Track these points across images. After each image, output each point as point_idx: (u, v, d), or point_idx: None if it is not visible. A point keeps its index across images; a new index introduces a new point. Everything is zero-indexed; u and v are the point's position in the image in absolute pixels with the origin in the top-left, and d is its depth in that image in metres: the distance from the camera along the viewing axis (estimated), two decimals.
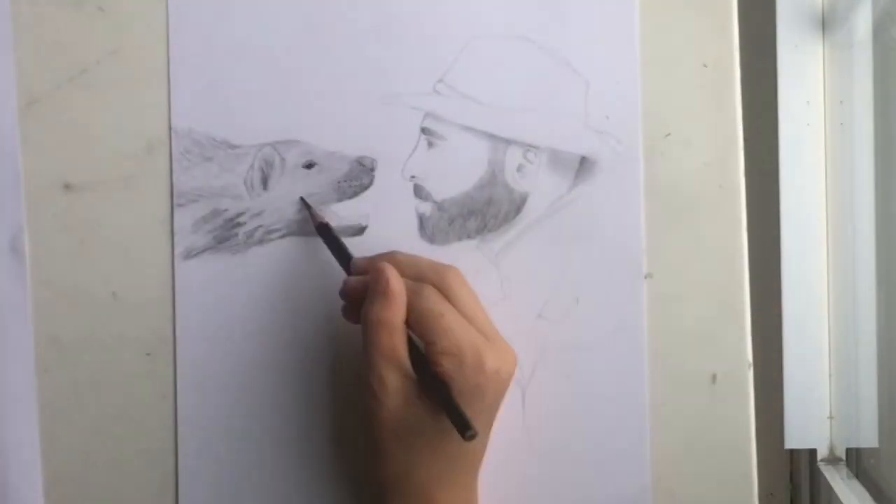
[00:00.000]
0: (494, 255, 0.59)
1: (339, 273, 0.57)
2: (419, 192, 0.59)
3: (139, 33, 0.59)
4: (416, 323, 0.53)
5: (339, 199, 0.59)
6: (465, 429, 0.49)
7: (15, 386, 0.59)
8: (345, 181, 0.59)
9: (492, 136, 0.59)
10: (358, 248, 0.59)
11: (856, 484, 0.69)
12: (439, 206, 0.59)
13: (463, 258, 0.59)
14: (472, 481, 0.55)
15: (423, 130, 0.59)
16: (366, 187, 0.59)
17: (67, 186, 0.59)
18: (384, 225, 0.59)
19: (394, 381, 0.52)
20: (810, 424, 0.70)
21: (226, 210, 0.59)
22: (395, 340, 0.52)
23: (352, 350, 0.59)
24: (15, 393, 0.59)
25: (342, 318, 0.57)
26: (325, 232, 0.58)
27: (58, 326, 0.59)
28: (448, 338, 0.52)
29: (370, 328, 0.52)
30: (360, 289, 0.54)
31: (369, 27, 0.59)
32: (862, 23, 0.70)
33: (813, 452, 0.72)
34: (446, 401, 0.51)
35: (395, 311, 0.52)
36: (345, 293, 0.55)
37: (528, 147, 0.59)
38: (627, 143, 0.60)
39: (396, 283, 0.53)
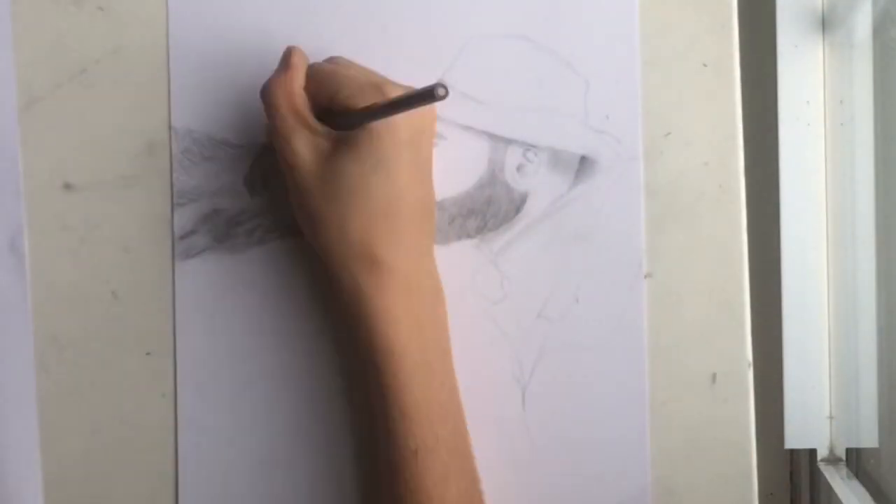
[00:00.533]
0: (494, 255, 0.59)
1: None
2: None
3: (139, 33, 0.59)
4: (316, 84, 0.53)
5: None
6: (431, 91, 0.41)
7: (14, 386, 0.59)
8: None
9: (491, 136, 0.59)
10: None
11: (856, 484, 0.69)
12: (439, 206, 0.59)
13: (463, 258, 0.59)
14: (420, 231, 0.54)
15: None
16: None
17: (67, 186, 0.59)
18: None
19: (303, 141, 0.52)
20: (810, 424, 0.70)
21: (226, 210, 0.59)
22: (296, 101, 0.52)
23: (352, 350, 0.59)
24: (14, 392, 0.59)
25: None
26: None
27: (57, 326, 0.59)
28: (350, 81, 0.52)
29: (267, 95, 0.53)
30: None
31: (369, 26, 0.59)
32: (862, 23, 0.70)
33: (813, 452, 0.72)
34: (387, 104, 0.48)
35: (292, 74, 0.53)
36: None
37: (528, 146, 0.59)
38: (627, 142, 0.59)
39: (297, 55, 0.53)
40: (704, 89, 0.60)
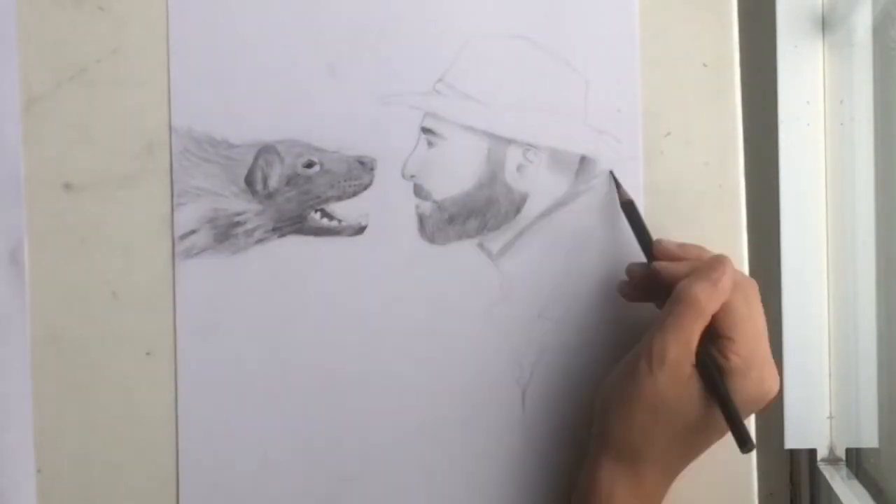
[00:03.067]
0: (494, 255, 0.59)
1: (342, 273, 0.57)
2: (419, 191, 0.59)
3: (139, 32, 0.59)
4: (722, 314, 0.53)
5: (339, 199, 0.59)
6: (744, 443, 0.51)
7: (8, 397, 0.59)
8: (345, 180, 0.59)
9: (492, 136, 0.59)
10: (357, 248, 0.59)
11: (856, 484, 0.69)
12: (439, 206, 0.59)
13: (462, 258, 0.59)
14: (681, 465, 0.56)
15: (423, 130, 0.59)
16: (365, 186, 0.59)
17: (67, 186, 0.59)
18: (384, 224, 0.59)
19: (674, 358, 0.52)
20: (810, 424, 0.70)
21: (226, 210, 0.59)
22: (697, 326, 0.53)
23: (351, 351, 0.59)
24: (8, 404, 0.59)
25: (341, 318, 0.57)
26: (630, 210, 0.58)
27: (58, 325, 0.59)
28: (747, 341, 0.53)
29: (683, 302, 0.53)
30: (670, 273, 0.55)
31: (369, 26, 0.59)
32: (862, 23, 0.70)
33: (813, 452, 0.72)
34: (731, 413, 0.52)
35: (714, 300, 0.53)
36: (654, 275, 0.56)
37: (528, 146, 0.59)
38: (627, 142, 0.60)
39: (730, 280, 0.53)
40: (704, 89, 0.60)
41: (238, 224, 0.59)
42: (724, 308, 0.53)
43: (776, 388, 0.54)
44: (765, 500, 0.69)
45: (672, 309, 0.53)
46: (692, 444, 0.54)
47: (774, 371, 0.54)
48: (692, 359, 0.52)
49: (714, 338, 0.53)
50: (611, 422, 0.54)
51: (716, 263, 0.54)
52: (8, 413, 0.59)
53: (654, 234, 0.59)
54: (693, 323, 0.52)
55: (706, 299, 0.52)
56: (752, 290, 0.55)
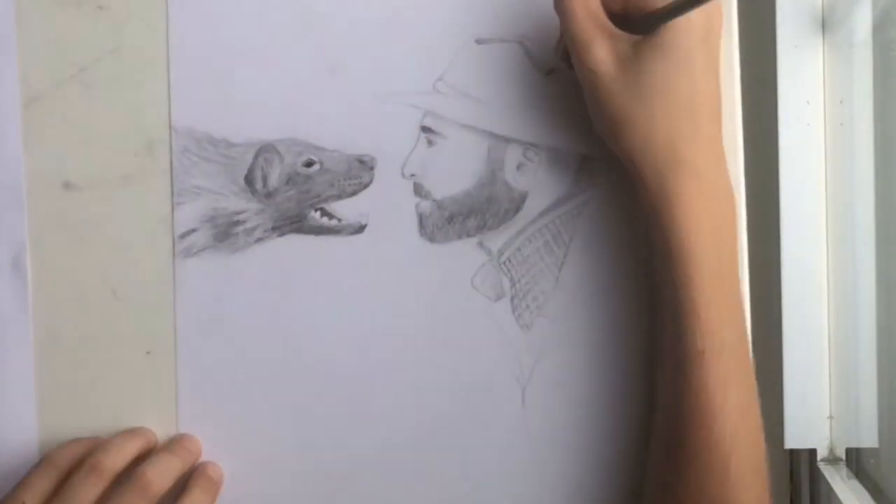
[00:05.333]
0: (494, 254, 0.59)
1: (341, 272, 0.57)
2: (419, 190, 0.59)
3: (139, 32, 0.59)
4: None
5: (339, 198, 0.59)
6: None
7: (14, 402, 0.59)
8: (344, 179, 0.59)
9: (492, 135, 0.59)
10: (357, 247, 0.59)
11: (856, 484, 0.69)
12: (439, 205, 0.59)
13: (462, 256, 0.59)
14: (716, 132, 0.54)
15: (423, 129, 0.59)
16: (365, 185, 0.59)
17: (67, 185, 0.59)
18: (384, 223, 0.59)
19: (604, 47, 0.52)
20: (810, 424, 0.70)
21: (225, 208, 0.59)
22: (592, 8, 0.52)
23: (351, 349, 0.59)
24: (14, 406, 0.59)
25: (341, 317, 0.57)
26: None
27: (58, 325, 0.59)
28: None
29: (563, 5, 0.53)
30: None
31: (369, 25, 0.59)
32: (862, 23, 0.70)
33: (813, 452, 0.72)
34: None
35: None
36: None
37: (528, 145, 0.59)
38: None
39: None
40: None
41: (238, 223, 0.59)
42: None
43: (718, 10, 0.54)
44: None
45: (561, 22, 0.53)
46: (694, 99, 0.52)
47: None
48: (610, 31, 0.52)
49: (621, 9, 0.53)
50: (616, 140, 0.53)
51: None
52: (12, 415, 0.59)
53: None
54: (583, 7, 0.52)
55: None
56: None
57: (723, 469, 0.51)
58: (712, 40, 0.53)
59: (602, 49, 0.52)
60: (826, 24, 0.70)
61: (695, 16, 0.51)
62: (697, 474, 0.52)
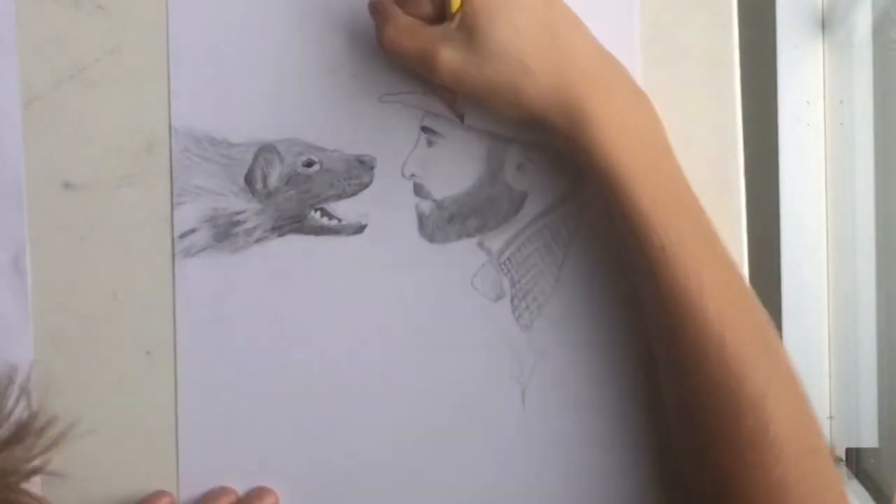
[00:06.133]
0: (494, 254, 0.59)
1: (341, 273, 0.57)
2: (419, 190, 0.59)
3: (139, 31, 0.59)
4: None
5: (339, 198, 0.59)
6: None
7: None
8: (344, 180, 0.59)
9: (492, 135, 0.59)
10: (357, 247, 0.59)
11: (856, 484, 0.69)
12: (439, 205, 0.59)
13: (462, 257, 0.59)
14: (589, 44, 0.54)
15: (423, 129, 0.59)
16: (365, 186, 0.59)
17: (67, 185, 0.59)
18: (384, 223, 0.59)
19: (433, 50, 0.52)
20: None
21: (225, 208, 0.59)
22: (400, 23, 0.53)
23: (351, 349, 0.59)
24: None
25: (341, 317, 0.57)
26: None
27: (58, 325, 0.59)
28: None
29: (389, 45, 0.53)
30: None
31: (368, 27, 0.59)
32: (862, 23, 0.70)
33: None
34: None
35: (388, 13, 0.54)
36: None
37: (528, 145, 0.59)
38: None
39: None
40: (704, 89, 0.60)
41: (238, 223, 0.59)
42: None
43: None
44: None
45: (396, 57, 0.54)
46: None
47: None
48: (405, 26, 0.53)
49: None
50: (509, 105, 0.53)
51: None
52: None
53: None
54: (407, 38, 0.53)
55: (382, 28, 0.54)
56: None
57: (719, 348, 0.50)
58: None
59: (437, 55, 0.52)
60: (826, 24, 0.70)
61: None
62: (697, 362, 0.51)
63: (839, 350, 0.70)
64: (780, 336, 0.69)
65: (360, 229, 0.59)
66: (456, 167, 0.59)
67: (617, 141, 0.51)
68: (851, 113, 0.70)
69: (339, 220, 0.59)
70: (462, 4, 0.51)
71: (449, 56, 0.52)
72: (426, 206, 0.59)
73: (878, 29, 0.69)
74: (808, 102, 0.70)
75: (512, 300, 0.59)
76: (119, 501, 0.59)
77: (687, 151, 0.59)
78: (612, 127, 0.52)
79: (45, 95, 0.59)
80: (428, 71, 0.53)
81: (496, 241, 0.59)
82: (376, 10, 0.55)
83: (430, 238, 0.59)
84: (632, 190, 0.51)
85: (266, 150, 0.59)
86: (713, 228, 0.53)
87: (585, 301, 0.59)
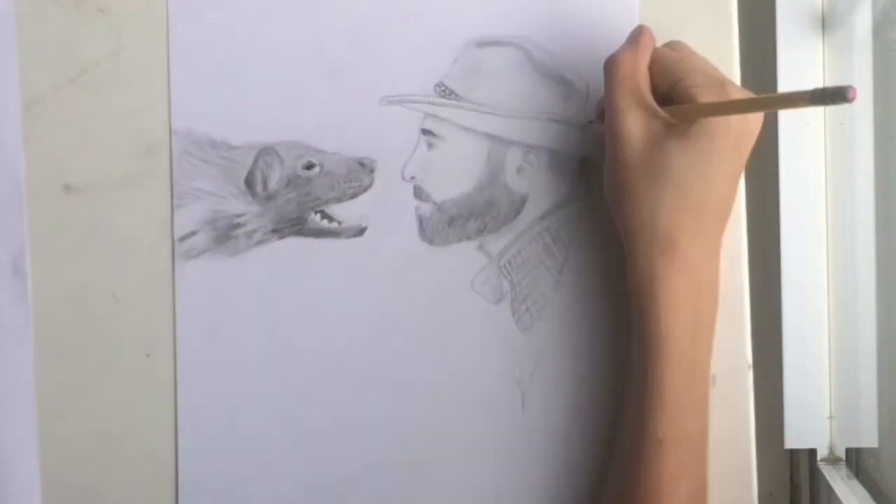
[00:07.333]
0: (494, 257, 0.59)
1: (341, 275, 0.58)
2: (419, 193, 0.59)
3: (139, 34, 0.59)
4: (660, 69, 0.53)
5: (339, 200, 0.59)
6: (839, 93, 0.41)
7: (14, 403, 0.59)
8: (345, 182, 0.59)
9: (492, 137, 0.59)
10: (357, 250, 0.59)
11: (856, 484, 0.69)
12: (439, 207, 0.59)
13: (462, 259, 0.59)
14: (717, 231, 0.54)
15: (423, 131, 0.59)
16: (365, 188, 0.59)
17: (67, 187, 0.59)
18: (384, 226, 0.59)
19: (638, 120, 0.52)
20: (810, 424, 0.70)
21: (226, 211, 0.59)
22: (639, 79, 0.53)
23: (351, 352, 0.59)
24: (13, 404, 0.59)
25: (341, 320, 0.57)
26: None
27: (58, 327, 0.59)
28: (697, 73, 0.52)
29: (612, 68, 0.53)
30: None
31: (369, 28, 0.59)
32: (862, 23, 0.70)
33: (813, 452, 0.72)
34: (774, 98, 0.49)
35: (640, 54, 0.53)
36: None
37: (528, 148, 0.59)
38: None
39: (646, 35, 0.54)
40: None
41: (238, 225, 0.59)
42: (658, 61, 0.54)
43: (760, 118, 0.53)
44: (765, 500, 0.69)
45: (606, 87, 0.54)
46: (711, 189, 0.52)
47: (743, 90, 0.53)
48: (649, 107, 0.52)
49: (672, 95, 0.53)
50: (619, 211, 0.54)
51: (633, 30, 0.55)
52: (12, 416, 0.59)
53: None
54: (630, 79, 0.53)
55: (625, 53, 0.53)
56: (684, 45, 0.55)
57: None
58: (743, 147, 0.53)
59: (635, 121, 0.52)
60: (826, 24, 0.70)
61: (733, 119, 0.51)
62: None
63: (839, 350, 0.70)
64: (781, 336, 0.69)
65: (360, 232, 0.59)
66: (456, 170, 0.59)
67: (674, 319, 0.52)
68: (851, 113, 0.69)
69: (340, 222, 0.59)
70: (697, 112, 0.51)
71: (638, 130, 0.52)
72: (426, 208, 0.59)
73: (878, 29, 0.69)
74: None
75: (512, 303, 0.59)
76: (120, 501, 0.59)
77: None
78: (680, 303, 0.52)
79: (46, 98, 0.59)
80: (613, 113, 0.53)
81: (496, 243, 0.60)
82: (640, 34, 0.55)
83: (431, 241, 0.59)
84: (664, 373, 0.52)
85: (266, 153, 0.59)
86: (708, 430, 0.54)
87: (585, 303, 0.59)
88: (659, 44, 0.55)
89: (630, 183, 0.52)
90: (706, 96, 0.51)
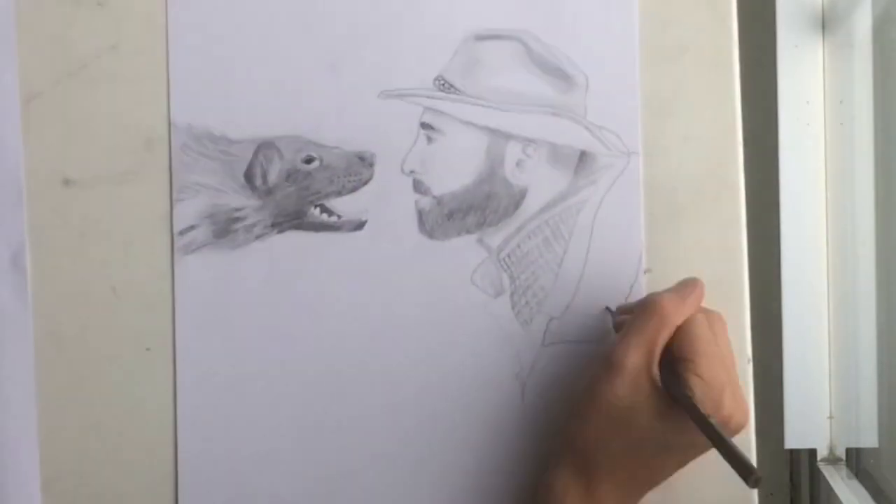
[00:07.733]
0: (493, 250, 0.59)
1: (341, 269, 0.58)
2: (418, 186, 0.59)
3: (138, 28, 0.59)
4: (684, 336, 0.53)
5: (339, 194, 0.59)
6: (748, 474, 0.45)
7: (14, 397, 0.58)
8: (344, 176, 0.59)
9: (491, 131, 0.59)
10: (356, 244, 0.59)
11: (856, 484, 0.69)
12: (438, 201, 0.59)
13: (462, 253, 0.59)
14: (639, 493, 0.54)
15: (423, 125, 0.59)
16: (365, 182, 0.59)
17: (67, 181, 0.59)
18: (383, 220, 0.59)
19: (633, 364, 0.52)
20: (810, 424, 0.70)
21: (225, 205, 0.59)
22: (659, 334, 0.52)
23: (351, 346, 0.59)
24: (15, 405, 0.59)
25: (341, 313, 0.57)
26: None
27: (57, 322, 0.59)
28: (706, 364, 0.52)
29: (648, 309, 0.53)
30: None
31: (369, 21, 0.59)
32: (862, 23, 0.70)
33: (813, 452, 0.72)
34: (725, 444, 0.48)
35: (679, 312, 0.53)
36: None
37: (528, 142, 0.60)
38: (627, 138, 0.60)
39: (698, 299, 0.54)
40: (704, 89, 0.60)
41: (237, 219, 0.59)
42: (687, 328, 0.53)
43: (744, 421, 0.53)
44: (765, 500, 0.69)
45: (637, 315, 0.53)
46: (655, 463, 0.53)
47: (743, 403, 0.53)
48: (653, 369, 0.52)
49: (675, 361, 0.52)
50: (569, 425, 0.54)
51: (688, 280, 0.55)
52: (12, 411, 0.59)
53: (654, 231, 0.59)
54: (655, 330, 0.52)
55: (671, 307, 0.52)
56: (720, 322, 0.55)
57: None
58: (693, 456, 0.54)
59: (633, 375, 0.52)
60: (826, 24, 0.70)
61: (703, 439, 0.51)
62: None
63: (839, 350, 0.70)
64: (781, 336, 0.69)
65: (359, 226, 0.59)
66: (455, 163, 0.59)
67: None
68: (851, 113, 0.69)
69: (339, 216, 0.59)
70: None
71: (624, 394, 0.52)
72: (426, 202, 0.59)
73: (878, 29, 0.69)
74: (808, 102, 0.70)
75: (512, 296, 0.59)
76: (118, 497, 0.59)
77: (687, 150, 0.60)
78: None
79: (45, 92, 0.59)
80: (610, 371, 0.52)
81: (496, 237, 0.59)
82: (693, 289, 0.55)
83: (430, 234, 0.59)
84: None
85: (266, 147, 0.59)
86: None
87: (584, 296, 0.59)
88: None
89: (595, 412, 0.52)
90: (704, 394, 0.51)
